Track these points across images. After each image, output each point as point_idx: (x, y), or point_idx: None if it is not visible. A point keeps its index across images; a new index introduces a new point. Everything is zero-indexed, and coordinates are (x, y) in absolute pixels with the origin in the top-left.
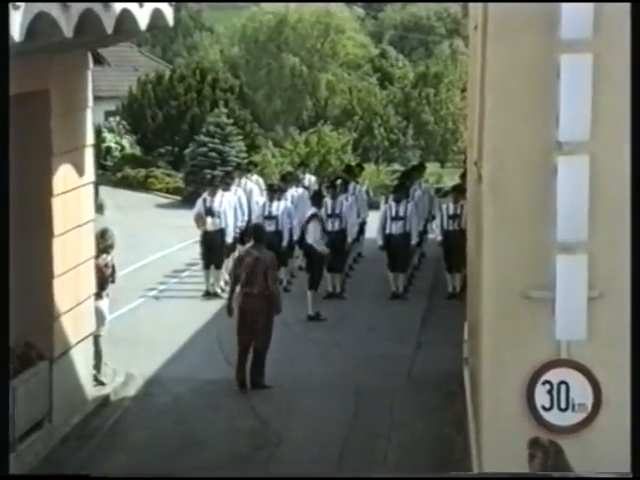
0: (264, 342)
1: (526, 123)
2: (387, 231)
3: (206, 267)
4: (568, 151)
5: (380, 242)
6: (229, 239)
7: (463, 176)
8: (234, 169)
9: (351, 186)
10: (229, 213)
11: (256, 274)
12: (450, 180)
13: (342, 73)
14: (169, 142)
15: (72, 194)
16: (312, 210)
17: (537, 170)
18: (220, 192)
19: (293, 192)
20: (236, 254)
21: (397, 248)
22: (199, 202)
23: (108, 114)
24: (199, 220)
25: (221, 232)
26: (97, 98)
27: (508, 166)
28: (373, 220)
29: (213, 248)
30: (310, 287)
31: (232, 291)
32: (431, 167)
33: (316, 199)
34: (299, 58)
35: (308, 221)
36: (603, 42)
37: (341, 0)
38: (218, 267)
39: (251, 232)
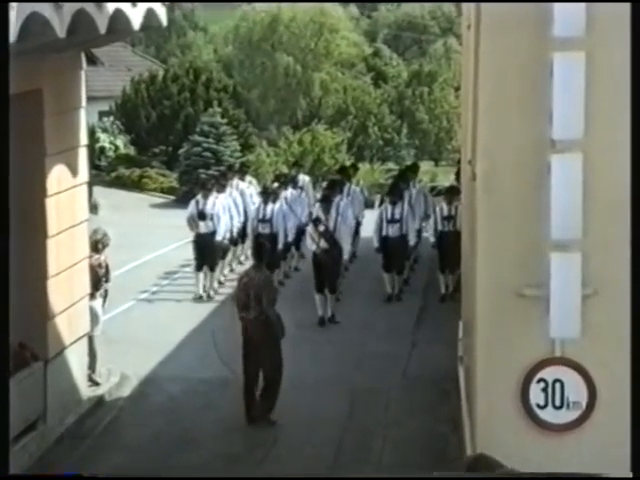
0: (273, 373)
1: (520, 121)
2: (383, 233)
3: (198, 269)
4: (561, 149)
5: (376, 244)
6: (221, 240)
7: (457, 175)
8: (228, 170)
9: (346, 187)
10: (222, 215)
11: (250, 298)
12: (444, 179)
13: (336, 72)
14: (163, 142)
15: (66, 194)
16: (314, 215)
17: (531, 168)
18: (214, 194)
19: (287, 194)
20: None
21: (394, 250)
22: (192, 204)
23: (102, 114)
24: (191, 223)
25: (214, 234)
26: (90, 98)
27: (502, 164)
28: (368, 219)
29: (206, 250)
30: (330, 291)
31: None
32: (425, 166)
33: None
34: (293, 57)
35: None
36: (596, 40)
37: (338, 0)
38: (212, 269)
39: (252, 251)
